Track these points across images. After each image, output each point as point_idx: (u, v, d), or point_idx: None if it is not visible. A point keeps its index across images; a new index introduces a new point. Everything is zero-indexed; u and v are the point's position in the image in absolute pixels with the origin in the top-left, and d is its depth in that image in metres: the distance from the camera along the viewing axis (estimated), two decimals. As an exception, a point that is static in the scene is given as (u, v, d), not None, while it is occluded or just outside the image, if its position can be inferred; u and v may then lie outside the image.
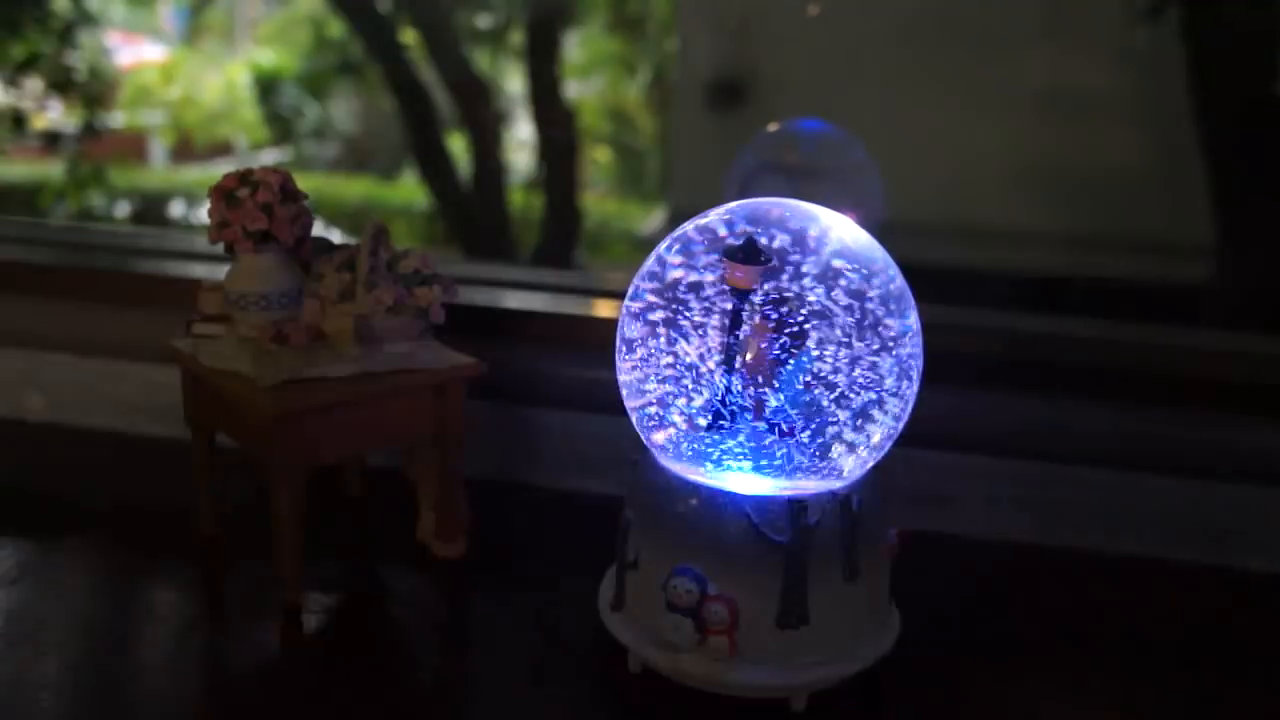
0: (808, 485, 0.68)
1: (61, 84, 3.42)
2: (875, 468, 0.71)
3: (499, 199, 3.51)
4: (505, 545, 0.92)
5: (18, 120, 3.37)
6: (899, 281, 0.69)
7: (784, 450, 0.66)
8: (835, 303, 0.65)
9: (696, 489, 0.69)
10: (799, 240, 0.66)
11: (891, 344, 0.67)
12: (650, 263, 0.71)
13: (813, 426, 0.66)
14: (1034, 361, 0.99)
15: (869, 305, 0.66)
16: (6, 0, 3.26)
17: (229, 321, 0.82)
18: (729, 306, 0.66)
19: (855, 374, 0.66)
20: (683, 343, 0.67)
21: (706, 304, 0.66)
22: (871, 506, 0.70)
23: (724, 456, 0.68)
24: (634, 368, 0.70)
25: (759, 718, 0.70)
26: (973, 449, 0.97)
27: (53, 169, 3.69)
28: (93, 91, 3.59)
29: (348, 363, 0.80)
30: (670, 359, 0.67)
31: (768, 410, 0.66)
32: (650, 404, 0.70)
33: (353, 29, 3.71)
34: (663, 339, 0.68)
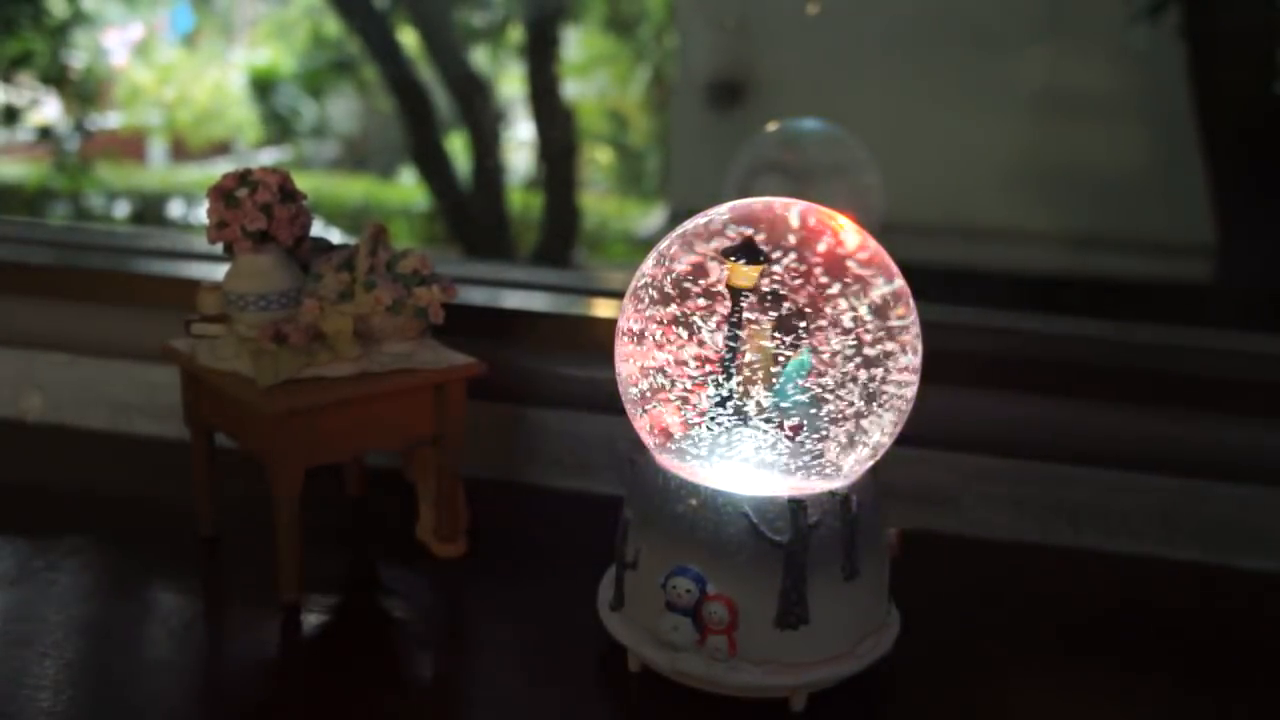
0: (808, 485, 0.68)
1: (55, 80, 3.41)
2: (875, 468, 0.71)
3: (498, 199, 3.51)
4: (505, 545, 0.92)
5: (10, 115, 3.37)
6: (898, 281, 0.69)
7: (783, 450, 0.66)
8: (834, 302, 0.65)
9: (696, 489, 0.69)
10: (798, 240, 0.66)
11: (891, 343, 0.67)
12: (649, 262, 0.71)
13: (812, 426, 0.66)
14: (1034, 361, 0.99)
15: (868, 305, 0.66)
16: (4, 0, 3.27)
17: (228, 321, 0.82)
18: (728, 306, 0.66)
19: (854, 373, 0.66)
20: (682, 343, 0.67)
21: (706, 304, 0.66)
22: (871, 506, 0.70)
23: (723, 456, 0.68)
24: (634, 367, 0.70)
25: (759, 718, 0.70)
26: (973, 449, 0.97)
27: (44, 167, 3.69)
28: (86, 90, 3.58)
29: (347, 363, 0.80)
30: (670, 359, 0.67)
31: (767, 410, 0.66)
32: (649, 404, 0.69)
33: (350, 27, 3.71)
34: (663, 339, 0.68)
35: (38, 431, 1.11)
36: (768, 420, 0.66)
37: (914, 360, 0.69)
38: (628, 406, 0.72)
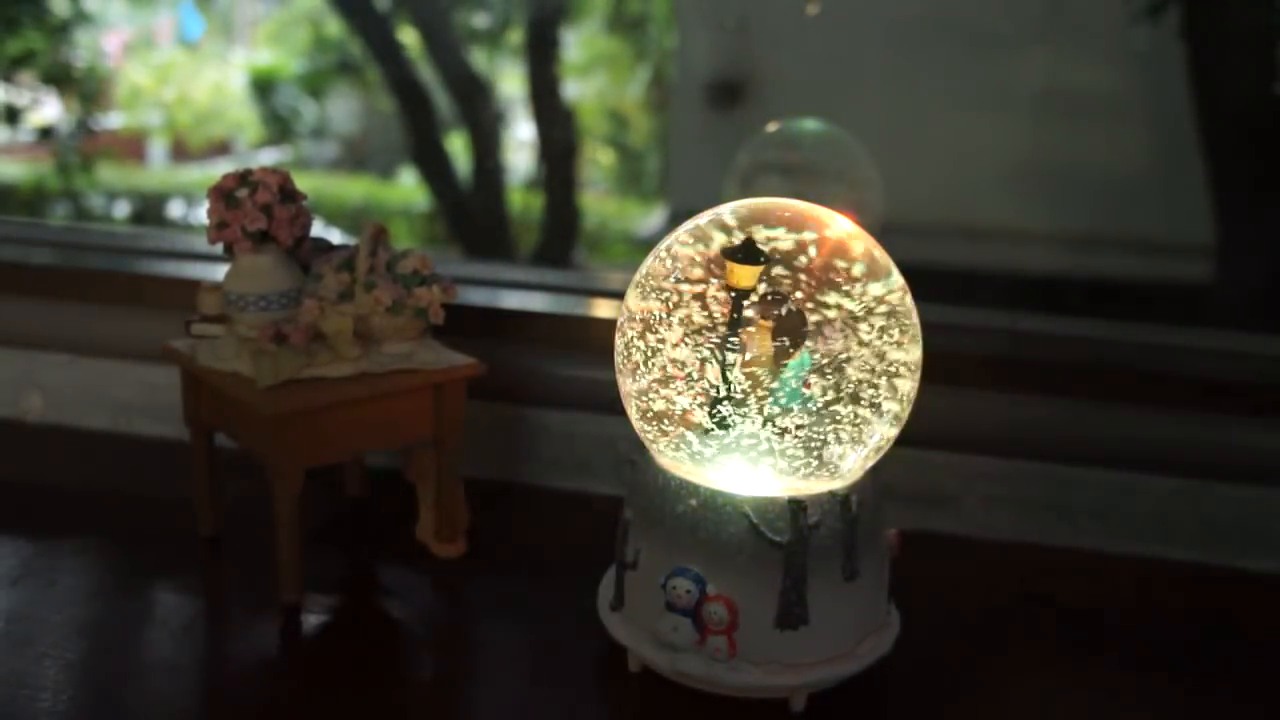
0: (808, 485, 0.68)
1: (57, 79, 3.42)
2: (875, 468, 0.71)
3: (498, 199, 3.50)
4: (505, 545, 0.92)
5: (11, 115, 3.38)
6: (898, 281, 0.69)
7: (783, 450, 0.66)
8: (834, 303, 0.65)
9: (696, 489, 0.69)
10: (798, 240, 0.66)
11: (891, 344, 0.67)
12: (648, 263, 0.71)
13: (812, 426, 0.66)
14: (1034, 361, 0.99)
15: (868, 305, 0.66)
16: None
17: (228, 322, 0.82)
18: (728, 307, 0.66)
19: (855, 373, 0.66)
20: (682, 343, 0.67)
21: (706, 304, 0.66)
22: (871, 506, 0.70)
23: (724, 456, 0.68)
24: (634, 368, 0.70)
25: (759, 718, 0.70)
26: (973, 449, 0.97)
27: (44, 167, 3.69)
28: (88, 89, 3.59)
29: (347, 363, 0.80)
30: (670, 359, 0.67)
31: (767, 410, 0.66)
32: (650, 404, 0.69)
33: (351, 28, 3.71)
34: (662, 339, 0.68)
35: (38, 431, 1.11)
36: (768, 420, 0.66)
37: (914, 360, 0.69)
38: (628, 408, 0.72)
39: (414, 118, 3.39)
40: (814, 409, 0.66)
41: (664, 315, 0.67)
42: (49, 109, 3.65)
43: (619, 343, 0.72)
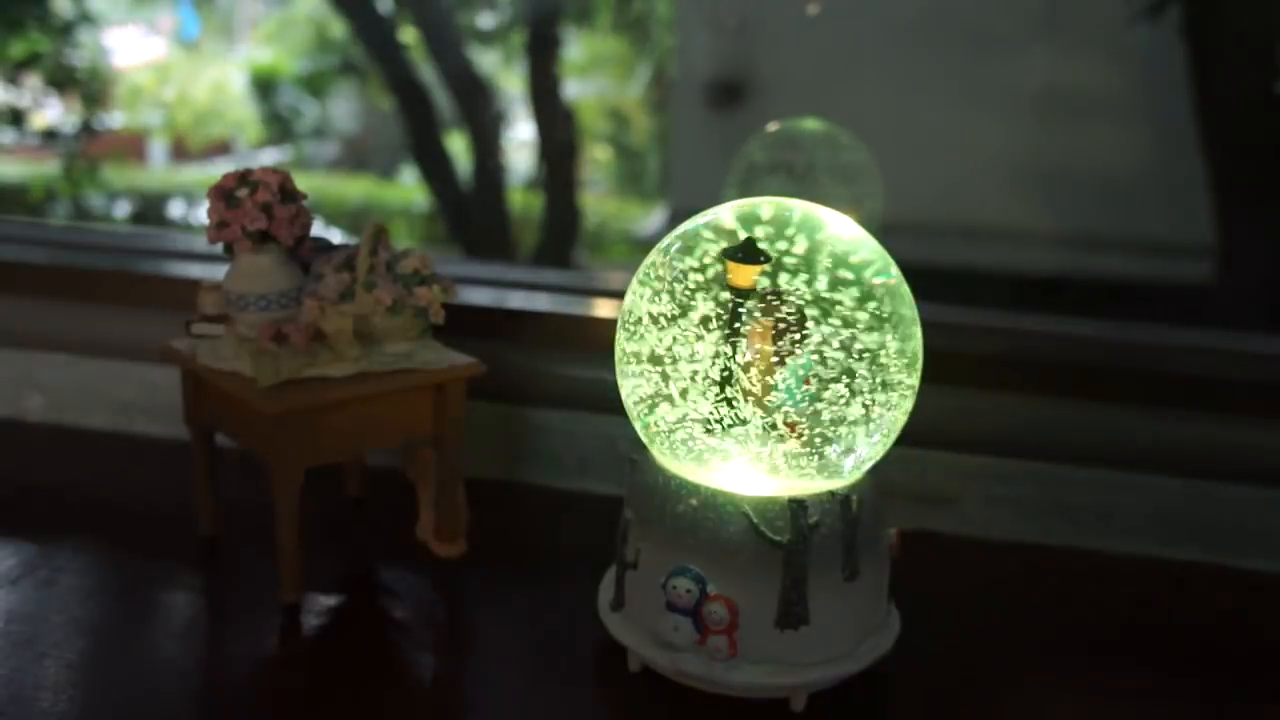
0: (808, 485, 0.68)
1: (61, 81, 3.43)
2: (875, 468, 0.71)
3: (499, 199, 3.50)
4: (505, 545, 0.92)
5: (16, 117, 3.38)
6: (899, 281, 0.69)
7: (784, 449, 0.66)
8: (835, 302, 0.66)
9: (696, 489, 0.69)
10: (798, 240, 0.67)
11: (891, 344, 0.67)
12: (648, 263, 0.71)
13: (812, 426, 0.66)
14: (1034, 361, 0.99)
15: (868, 305, 0.66)
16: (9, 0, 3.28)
17: (228, 321, 0.82)
18: (729, 306, 0.66)
19: (855, 373, 0.66)
20: (682, 343, 0.67)
21: (706, 304, 0.66)
22: (871, 506, 0.70)
23: (724, 456, 0.68)
24: (634, 368, 0.70)
25: (759, 718, 0.70)
26: (973, 449, 0.97)
27: (48, 168, 3.69)
28: (92, 90, 3.60)
29: (347, 363, 0.80)
30: (671, 359, 0.67)
31: (768, 409, 0.66)
32: (650, 403, 0.69)
33: (353, 29, 3.71)
34: (663, 339, 0.68)
35: (38, 431, 1.11)
36: (768, 420, 0.66)
37: (915, 360, 0.69)
38: (628, 408, 0.72)
39: (414, 117, 3.39)
40: (814, 408, 0.66)
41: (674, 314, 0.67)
42: (51, 110, 3.65)
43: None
